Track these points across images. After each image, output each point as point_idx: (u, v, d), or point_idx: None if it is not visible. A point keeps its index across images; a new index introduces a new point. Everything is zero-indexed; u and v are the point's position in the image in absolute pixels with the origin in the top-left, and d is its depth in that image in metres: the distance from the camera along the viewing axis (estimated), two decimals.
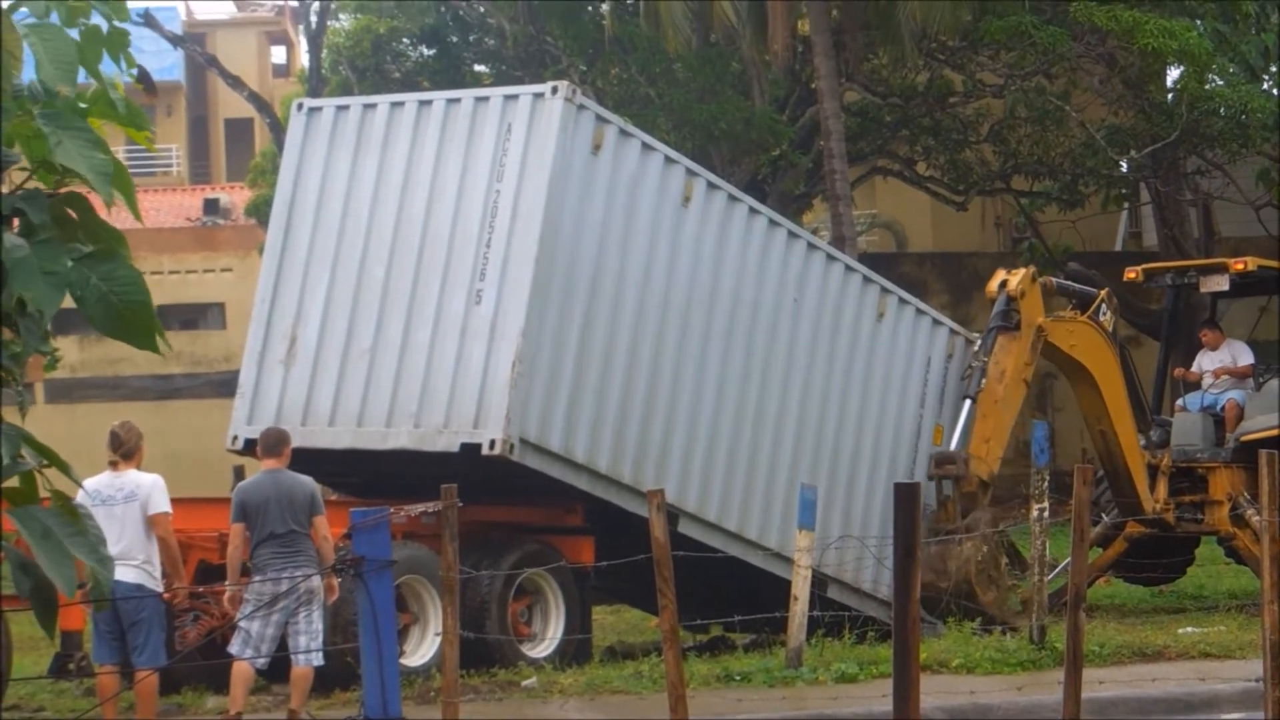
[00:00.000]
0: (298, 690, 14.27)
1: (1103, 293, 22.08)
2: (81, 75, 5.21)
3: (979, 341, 21.06)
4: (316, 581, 14.07)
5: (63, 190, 5.16)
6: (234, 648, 14.26)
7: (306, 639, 14.16)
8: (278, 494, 14.19)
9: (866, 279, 20.64)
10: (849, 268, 20.59)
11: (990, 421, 20.47)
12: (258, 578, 14.13)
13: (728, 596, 18.56)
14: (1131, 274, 23.40)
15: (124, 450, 14.02)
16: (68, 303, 5.09)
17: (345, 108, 18.53)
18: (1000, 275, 21.36)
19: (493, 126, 17.40)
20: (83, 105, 5.21)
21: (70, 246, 5.09)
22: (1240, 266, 22.84)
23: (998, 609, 19.32)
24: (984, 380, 20.52)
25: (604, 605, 21.47)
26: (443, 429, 17.05)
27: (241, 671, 14.27)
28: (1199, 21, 33.06)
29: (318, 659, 14.27)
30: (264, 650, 14.25)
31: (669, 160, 18.48)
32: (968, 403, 20.47)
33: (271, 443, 14.73)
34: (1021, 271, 21.43)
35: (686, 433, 18.44)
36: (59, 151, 4.98)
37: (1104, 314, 21.88)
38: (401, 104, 18.31)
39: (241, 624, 14.22)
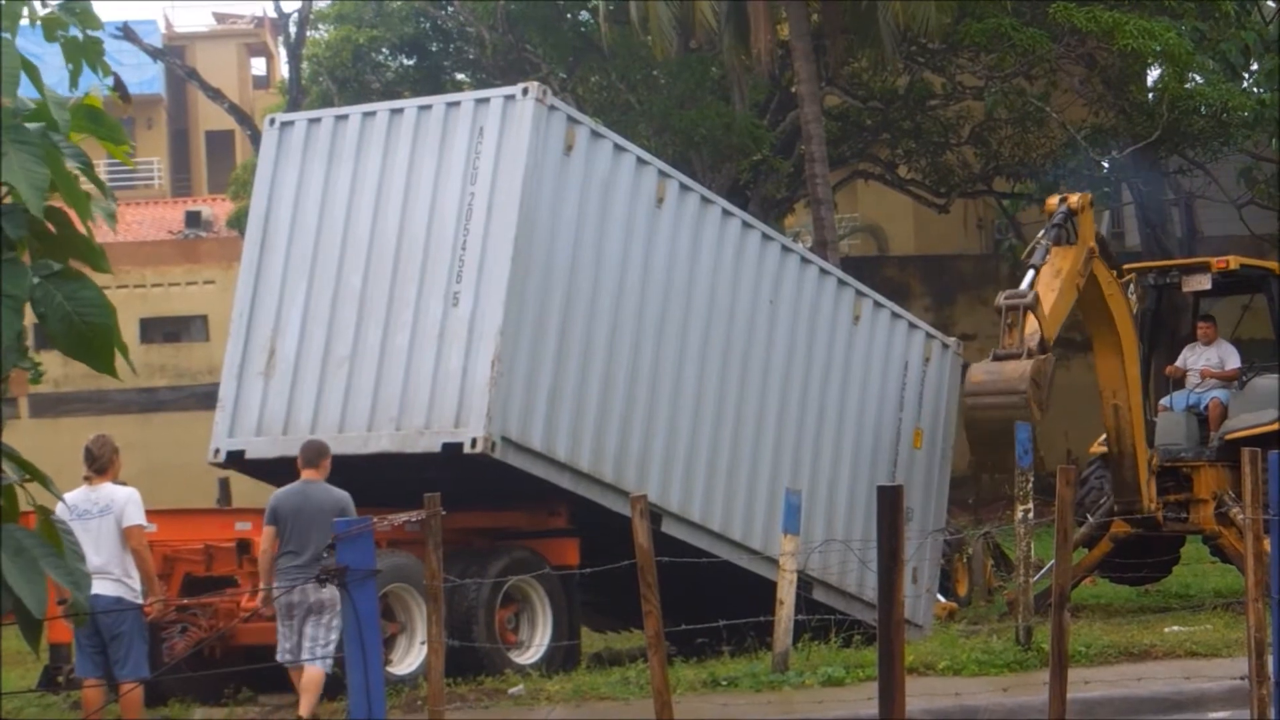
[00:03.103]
0: (307, 694, 14.37)
1: (1131, 275, 22.11)
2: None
3: (1030, 250, 20.71)
4: (329, 593, 14.06)
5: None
6: (279, 656, 14.53)
7: (311, 644, 14.37)
8: (306, 506, 14.46)
9: (841, 282, 20.68)
10: (823, 271, 20.62)
11: (1045, 305, 19.87)
12: (276, 584, 14.40)
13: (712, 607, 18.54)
14: None
15: (97, 465, 14.01)
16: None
17: (317, 120, 18.53)
18: (1058, 196, 21.46)
19: (465, 130, 17.41)
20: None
21: (41, 262, 5.07)
22: (1223, 265, 22.84)
23: (1039, 411, 19.20)
24: (1047, 255, 20.30)
25: (596, 633, 21.37)
26: (424, 430, 17.04)
27: (301, 676, 14.48)
28: (1179, 21, 33.09)
29: (327, 665, 14.38)
30: (299, 655, 14.50)
31: (641, 162, 18.50)
32: (1031, 271, 20.14)
33: (310, 455, 14.96)
34: (1080, 195, 21.43)
35: (667, 432, 18.45)
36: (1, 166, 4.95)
37: (1132, 292, 21.92)
38: (373, 114, 18.30)
39: (278, 631, 14.53)
